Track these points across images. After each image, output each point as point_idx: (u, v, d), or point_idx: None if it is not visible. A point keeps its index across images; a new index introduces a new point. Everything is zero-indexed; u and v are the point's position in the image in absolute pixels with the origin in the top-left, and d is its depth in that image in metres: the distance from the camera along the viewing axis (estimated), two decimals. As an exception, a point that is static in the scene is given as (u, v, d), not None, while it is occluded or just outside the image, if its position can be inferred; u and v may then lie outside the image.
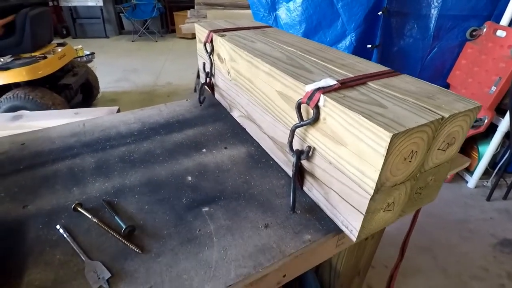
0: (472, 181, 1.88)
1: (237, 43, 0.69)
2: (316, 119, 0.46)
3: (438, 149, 0.44)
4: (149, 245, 0.45)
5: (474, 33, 1.67)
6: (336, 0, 1.60)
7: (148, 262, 0.42)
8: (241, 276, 0.41)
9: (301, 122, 0.48)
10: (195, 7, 2.68)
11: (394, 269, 0.78)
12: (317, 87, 0.46)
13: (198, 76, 2.95)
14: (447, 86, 1.89)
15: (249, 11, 2.43)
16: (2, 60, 2.02)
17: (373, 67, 0.56)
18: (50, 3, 4.81)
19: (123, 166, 0.63)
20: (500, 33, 1.55)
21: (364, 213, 0.43)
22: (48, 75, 2.11)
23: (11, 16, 2.04)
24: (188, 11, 2.68)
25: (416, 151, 0.40)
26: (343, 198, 0.46)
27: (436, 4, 1.60)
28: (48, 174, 0.60)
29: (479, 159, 1.80)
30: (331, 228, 0.49)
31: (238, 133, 0.75)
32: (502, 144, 1.75)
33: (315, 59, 0.59)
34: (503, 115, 1.62)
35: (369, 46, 1.70)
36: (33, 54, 2.15)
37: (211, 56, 0.82)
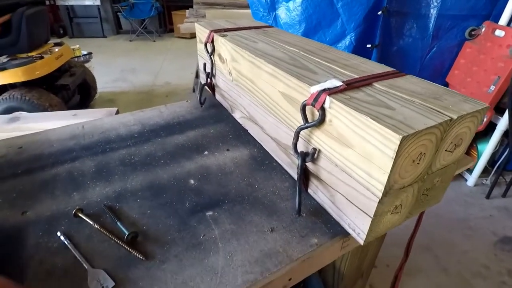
0: (471, 179, 1.88)
1: (238, 43, 0.68)
2: (321, 121, 0.45)
3: (445, 150, 0.43)
4: (153, 252, 0.44)
5: (473, 33, 1.67)
6: (336, 0, 1.59)
7: (152, 270, 0.42)
8: (248, 282, 0.40)
9: (306, 124, 0.48)
10: (194, 6, 2.67)
11: (398, 270, 0.77)
12: (322, 88, 0.45)
13: (197, 76, 2.93)
14: (446, 85, 1.89)
15: (248, 11, 2.42)
16: (-2, 60, 2.00)
17: (377, 67, 0.55)
18: (47, 2, 4.76)
19: (124, 169, 0.62)
20: (499, 32, 1.55)
21: (372, 216, 0.42)
22: (45, 76, 2.09)
23: (7, 15, 2.02)
24: (187, 10, 2.65)
25: (425, 153, 0.40)
26: (350, 201, 0.45)
27: (435, 3, 1.60)
28: (47, 179, 0.59)
29: (478, 158, 1.81)
30: (337, 231, 0.49)
31: (240, 135, 0.74)
32: (501, 142, 1.75)
33: (318, 60, 0.58)
34: (502, 114, 1.63)
35: (368, 45, 1.70)
36: (29, 54, 2.13)
37: (212, 56, 0.81)
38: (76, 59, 2.75)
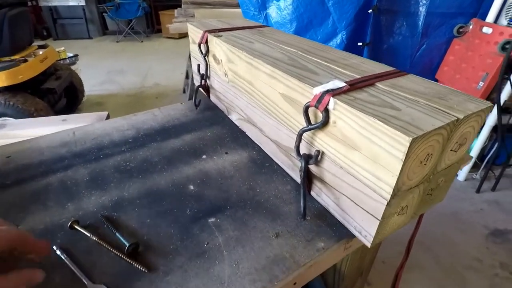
0: (462, 174, 1.92)
1: (234, 44, 0.66)
2: (325, 122, 0.44)
3: (450, 150, 0.43)
4: (155, 263, 0.42)
5: (461, 30, 1.70)
6: (327, -2, 1.59)
7: (156, 282, 0.40)
8: (256, 291, 0.39)
9: (309, 126, 0.47)
10: (182, 6, 2.63)
11: (399, 269, 0.77)
12: (325, 89, 0.44)
13: (187, 77, 2.90)
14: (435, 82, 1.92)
15: (239, 10, 2.40)
16: (-21, 64, 1.92)
17: (377, 67, 0.55)
18: (29, 3, 4.63)
19: (119, 177, 0.59)
20: (486, 29, 1.58)
21: (380, 219, 0.41)
22: (30, 79, 2.03)
23: (-12, 18, 1.95)
24: (175, 10, 2.62)
25: (432, 154, 0.39)
26: (356, 203, 0.45)
27: (424, 2, 1.62)
28: (39, 189, 0.56)
29: (468, 153, 1.84)
30: (343, 234, 0.48)
31: (238, 137, 0.73)
32: (490, 137, 1.79)
33: (317, 60, 0.57)
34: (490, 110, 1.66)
35: (360, 44, 1.71)
36: (12, 57, 2.05)
37: (206, 57, 0.80)
38: (61, 61, 2.68)
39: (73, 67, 2.69)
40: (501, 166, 1.81)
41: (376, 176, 0.40)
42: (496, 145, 1.75)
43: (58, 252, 0.43)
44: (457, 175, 1.95)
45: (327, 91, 0.43)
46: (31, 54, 2.19)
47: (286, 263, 0.43)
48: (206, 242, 0.46)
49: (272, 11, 1.74)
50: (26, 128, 1.03)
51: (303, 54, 0.60)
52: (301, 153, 0.51)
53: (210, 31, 0.76)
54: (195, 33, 0.83)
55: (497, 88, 1.52)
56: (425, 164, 0.40)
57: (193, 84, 2.66)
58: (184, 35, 5.20)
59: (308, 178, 0.53)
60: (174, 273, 0.41)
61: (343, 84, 0.44)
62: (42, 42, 2.48)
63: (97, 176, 0.60)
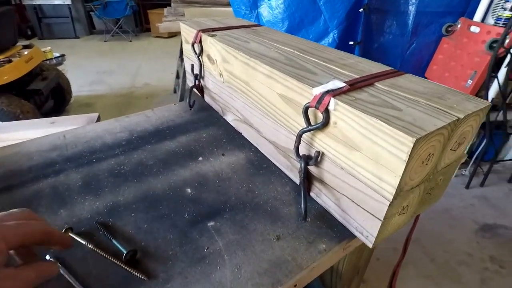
0: (452, 170, 1.95)
1: (230, 44, 0.65)
2: (325, 123, 0.44)
3: (450, 149, 0.43)
4: (155, 270, 0.41)
5: (449, 29, 1.73)
6: (318, -3, 1.59)
7: (156, 290, 0.39)
8: (260, 296, 0.39)
9: (309, 127, 0.46)
10: (172, 4, 2.59)
11: (396, 267, 0.78)
12: (325, 90, 0.43)
13: (177, 76, 2.87)
14: (425, 80, 1.94)
15: (229, 9, 2.38)
16: (-39, 65, 1.85)
17: (375, 66, 0.55)
18: (12, 2, 4.50)
19: (114, 181, 0.58)
20: (474, 28, 1.61)
21: (382, 219, 0.41)
22: (15, 81, 1.97)
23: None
24: (165, 9, 2.58)
25: (433, 154, 0.39)
26: (357, 204, 0.45)
27: (413, 1, 1.64)
28: (29, 196, 0.54)
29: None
30: (344, 235, 0.48)
31: (234, 138, 0.72)
32: (478, 134, 1.83)
33: (315, 59, 0.57)
34: (479, 107, 1.69)
35: (351, 42, 1.72)
36: (-4, 58, 1.99)
37: (200, 57, 0.78)
38: (48, 61, 2.61)
39: (59, 68, 2.62)
40: (489, 162, 1.85)
41: (378, 176, 0.39)
42: (484, 142, 1.78)
43: (52, 261, 0.41)
44: (447, 172, 1.98)
45: (327, 92, 0.43)
46: (15, 54, 2.13)
47: (288, 266, 0.43)
48: (206, 247, 0.45)
49: (264, 10, 1.73)
50: (12, 131, 0.99)
51: (300, 54, 0.60)
52: (301, 154, 0.51)
53: (204, 31, 0.75)
54: (188, 32, 0.81)
55: (485, 86, 1.55)
56: (426, 164, 0.40)
57: (184, 84, 2.63)
58: (174, 34, 5.15)
59: (308, 179, 0.53)
60: (174, 280, 0.40)
61: (343, 84, 0.44)
62: (27, 42, 2.41)
63: (90, 180, 0.58)
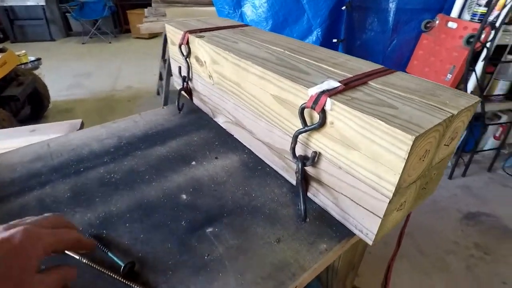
0: (435, 162, 2.01)
1: (219, 45, 0.64)
2: (322, 123, 0.44)
3: (444, 144, 0.44)
4: (155, 282, 0.40)
5: (428, 25, 1.78)
6: (302, -4, 1.60)
7: (159, 303, 0.37)
8: (265, 301, 0.38)
9: (306, 128, 0.46)
10: (152, 4, 2.53)
11: (390, 260, 0.79)
12: (321, 90, 0.43)
13: (160, 78, 2.81)
14: (407, 75, 1.99)
15: (211, 8, 2.36)
16: None
17: (365, 64, 0.55)
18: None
19: (104, 190, 0.56)
20: (451, 24, 1.66)
21: (382, 216, 0.42)
22: (-12, 87, 1.87)
23: None
24: (145, 9, 2.52)
25: (429, 150, 0.40)
26: (356, 203, 0.45)
27: (393, -2, 1.67)
28: (14, 210, 0.51)
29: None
30: (344, 233, 0.48)
31: (226, 141, 0.71)
32: (458, 126, 1.89)
33: (306, 59, 0.57)
34: (458, 100, 1.75)
35: (334, 40, 1.73)
36: (-34, 64, 1.89)
37: (187, 59, 0.77)
38: (23, 66, 2.50)
39: (36, 72, 2.51)
40: (469, 153, 1.92)
41: (377, 175, 0.40)
42: (464, 133, 1.85)
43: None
44: (430, 164, 2.04)
45: (323, 92, 0.43)
46: (-13, 59, 2.02)
47: (291, 269, 0.42)
48: (206, 254, 0.44)
49: (247, 9, 1.72)
50: (-10, 141, 0.94)
51: (290, 54, 0.59)
52: (297, 155, 0.50)
53: (191, 32, 0.73)
54: (174, 34, 0.79)
55: (464, 80, 1.60)
56: (423, 160, 0.40)
57: (168, 86, 2.58)
58: (155, 35, 5.05)
59: (305, 179, 0.53)
60: (176, 290, 0.39)
61: (338, 84, 0.44)
62: (-1, 46, 2.29)
63: (79, 191, 0.55)
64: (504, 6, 1.42)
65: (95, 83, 3.31)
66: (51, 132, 0.94)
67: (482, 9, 1.53)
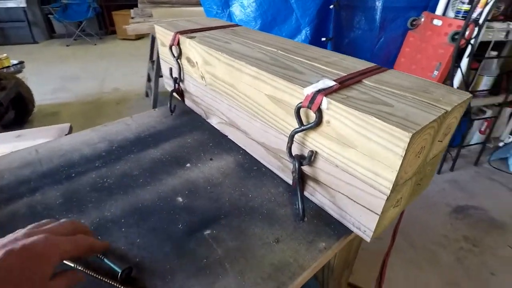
0: (423, 158, 2.05)
1: (211, 45, 0.64)
2: (319, 122, 0.44)
3: (438, 141, 0.45)
4: (154, 287, 0.39)
5: (414, 23, 1.81)
6: (290, -5, 1.60)
7: (159, 308, 0.37)
8: (267, 303, 0.38)
9: (302, 127, 0.46)
10: (139, 5, 2.50)
11: (385, 256, 0.81)
12: (317, 89, 0.43)
13: (148, 80, 2.77)
14: (395, 72, 2.02)
15: (199, 8, 2.34)
16: None
17: (358, 63, 0.56)
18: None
19: (97, 195, 0.54)
20: (437, 22, 1.70)
21: (379, 213, 0.42)
22: (-31, 92, 1.80)
23: None
24: (131, 10, 2.48)
25: (424, 146, 0.40)
26: (354, 200, 0.45)
27: (380, -4, 1.69)
28: (4, 218, 0.49)
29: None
30: (342, 231, 0.48)
31: (221, 142, 0.70)
32: (445, 121, 1.93)
33: (300, 59, 0.57)
34: (445, 96, 1.79)
35: (323, 39, 1.75)
36: None
37: (178, 60, 0.76)
38: (5, 69, 2.42)
39: (19, 75, 2.44)
40: (456, 148, 1.97)
41: (375, 172, 0.40)
42: (451, 129, 1.89)
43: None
44: (419, 159, 2.08)
45: (319, 91, 0.43)
46: (-33, 63, 1.95)
47: (291, 268, 0.42)
48: (205, 257, 0.44)
49: (236, 9, 1.72)
50: (-27, 148, 0.90)
51: (284, 54, 0.59)
52: (293, 154, 0.50)
53: (182, 32, 0.72)
54: (164, 34, 0.78)
55: (450, 76, 1.64)
56: (418, 157, 0.41)
57: (156, 87, 2.55)
58: (141, 36, 4.99)
59: (301, 178, 0.53)
60: (177, 295, 0.38)
61: (333, 83, 0.44)
62: (-21, 50, 2.22)
63: (71, 197, 0.54)
64: (487, 3, 1.46)
65: (81, 86, 3.24)
66: (39, 137, 0.91)
67: (466, 7, 1.57)
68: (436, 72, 1.70)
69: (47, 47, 4.70)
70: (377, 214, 0.42)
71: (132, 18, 2.32)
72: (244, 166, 0.63)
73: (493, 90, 1.90)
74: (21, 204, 0.52)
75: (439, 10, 1.72)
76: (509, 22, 1.67)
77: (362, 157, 0.41)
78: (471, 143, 2.14)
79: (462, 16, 1.60)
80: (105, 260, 0.42)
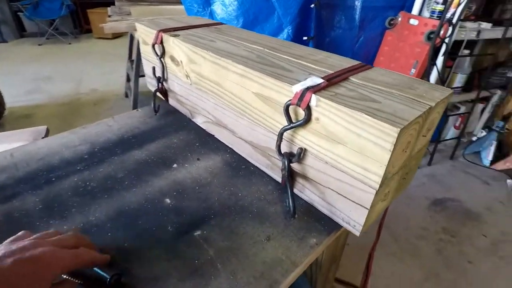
0: (403, 153, 2.12)
1: (196, 44, 0.62)
2: (308, 120, 0.44)
3: (422, 135, 0.46)
4: (145, 291, 0.38)
5: (392, 22, 1.86)
6: (271, -6, 1.61)
7: (151, 313, 0.36)
8: (261, 301, 0.38)
9: (291, 125, 0.46)
10: (116, 3, 2.42)
11: (371, 250, 0.82)
12: (305, 86, 0.44)
13: (128, 80, 2.70)
14: (374, 71, 2.08)
15: (179, 7, 2.30)
16: None
17: (344, 61, 0.57)
18: None
19: (80, 200, 0.52)
20: (413, 21, 1.75)
21: (369, 208, 0.43)
22: None
23: None
24: (108, 8, 2.40)
25: (410, 141, 0.41)
26: (343, 196, 0.46)
27: (359, -4, 1.73)
28: (-21, 227, 0.46)
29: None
30: (332, 226, 0.49)
31: (207, 141, 0.69)
32: (423, 118, 2.00)
33: (286, 57, 0.57)
34: (422, 93, 1.86)
35: (305, 38, 1.76)
36: None
37: (162, 59, 0.74)
38: (-29, 70, 2.28)
39: (-13, 76, 2.31)
40: (434, 142, 2.05)
41: (364, 167, 0.41)
42: (428, 125, 1.96)
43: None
44: (399, 155, 2.15)
45: (308, 88, 0.43)
46: None
47: (283, 266, 0.42)
48: (196, 258, 0.43)
49: (217, 7, 1.70)
50: None
51: (270, 52, 0.59)
52: (283, 152, 0.50)
53: (165, 30, 0.71)
54: (146, 33, 0.76)
55: (427, 74, 1.70)
56: (405, 151, 0.42)
57: (136, 87, 2.49)
58: (119, 35, 4.85)
59: (291, 176, 0.53)
60: (169, 299, 0.37)
61: (321, 80, 0.45)
62: None
63: (52, 202, 0.51)
64: (459, 3, 1.52)
65: (56, 86, 3.11)
66: (13, 141, 0.87)
67: (440, 7, 1.63)
68: (413, 70, 1.76)
69: (18, 46, 4.47)
70: (366, 208, 0.43)
71: (109, 16, 2.24)
72: (232, 165, 0.62)
73: (466, 87, 1.99)
74: (-3, 211, 0.49)
75: (415, 10, 1.78)
76: (480, 22, 1.75)
77: (351, 153, 0.41)
78: (446, 138, 2.23)
79: (437, 16, 1.66)
80: (94, 268, 0.40)
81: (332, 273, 1.00)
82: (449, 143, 2.27)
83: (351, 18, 1.85)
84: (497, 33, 1.79)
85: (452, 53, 1.76)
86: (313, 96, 0.42)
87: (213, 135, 0.71)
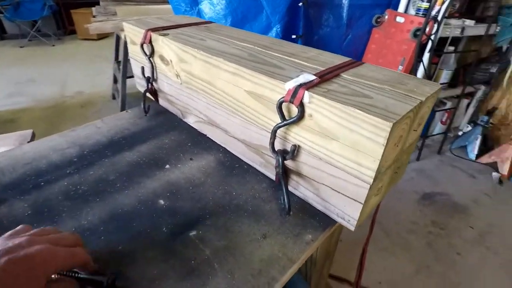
0: (392, 149, 2.15)
1: (186, 42, 0.62)
2: (301, 116, 0.44)
3: (413, 130, 0.47)
4: (142, 294, 0.37)
5: (378, 20, 1.89)
6: (260, -7, 1.60)
7: (149, 316, 0.35)
8: (260, 299, 0.38)
9: (284, 122, 0.46)
10: (101, 3, 2.37)
11: (365, 245, 0.83)
12: (298, 83, 0.44)
13: (115, 81, 2.65)
14: (362, 68, 2.10)
15: (166, 6, 2.28)
16: None
17: (335, 58, 0.57)
18: None
19: (71, 204, 0.51)
20: (399, 19, 1.78)
21: (363, 202, 0.43)
22: None
23: None
24: (93, 8, 2.35)
25: (402, 135, 0.42)
26: (338, 191, 0.46)
27: (346, -6, 1.75)
28: (-36, 235, 0.45)
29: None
30: (327, 222, 0.49)
31: (199, 141, 0.69)
32: (410, 114, 2.04)
33: (278, 54, 0.57)
34: (409, 89, 1.89)
35: (294, 36, 1.77)
36: None
37: (151, 58, 0.73)
38: (-50, 74, 2.20)
39: (-32, 80, 2.23)
40: (422, 138, 2.09)
41: (357, 162, 0.41)
42: (416, 120, 2.00)
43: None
44: (388, 150, 2.18)
45: (300, 85, 0.43)
46: None
47: (280, 263, 0.43)
48: (192, 259, 0.42)
49: (205, 6, 1.69)
50: None
51: (261, 50, 0.59)
52: (276, 149, 0.50)
53: (153, 30, 0.70)
54: (134, 32, 0.75)
55: (414, 70, 1.73)
56: (397, 146, 0.42)
57: (124, 89, 2.45)
58: (104, 36, 4.76)
59: (285, 173, 0.53)
60: (166, 301, 0.37)
61: (314, 77, 0.45)
62: None
63: (41, 207, 0.50)
64: (444, 1, 1.55)
65: (41, 90, 3.03)
66: (-3, 145, 0.84)
67: (425, 4, 1.66)
68: (400, 67, 1.79)
69: (-1, 49, 4.34)
70: (360, 203, 0.44)
71: (94, 16, 2.20)
72: (225, 164, 0.62)
73: (452, 83, 2.03)
74: (-16, 218, 0.48)
75: (401, 8, 1.81)
76: (463, 19, 1.80)
77: (345, 149, 0.42)
78: (434, 133, 2.28)
79: (422, 14, 1.69)
80: (80, 275, 0.38)
81: (326, 269, 1.01)
82: (436, 138, 2.32)
83: (338, 16, 1.87)
84: (480, 29, 1.84)
85: (438, 50, 1.80)
86: (306, 92, 0.42)
87: (205, 135, 0.70)
